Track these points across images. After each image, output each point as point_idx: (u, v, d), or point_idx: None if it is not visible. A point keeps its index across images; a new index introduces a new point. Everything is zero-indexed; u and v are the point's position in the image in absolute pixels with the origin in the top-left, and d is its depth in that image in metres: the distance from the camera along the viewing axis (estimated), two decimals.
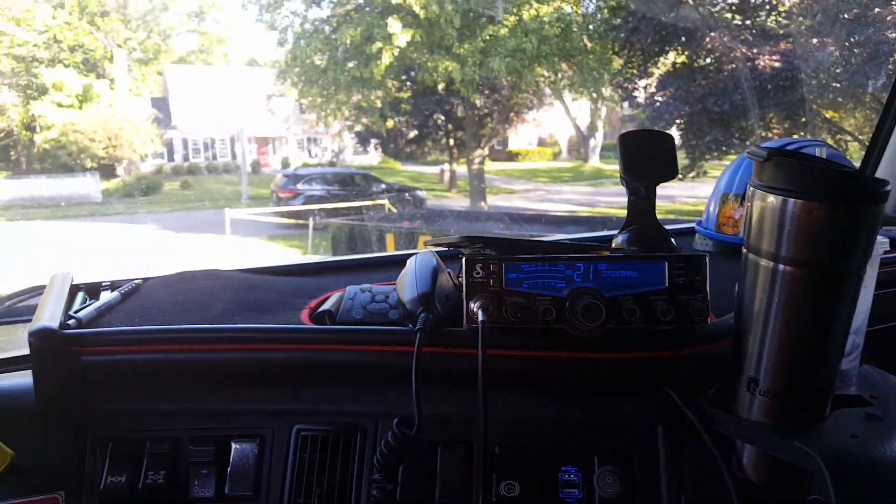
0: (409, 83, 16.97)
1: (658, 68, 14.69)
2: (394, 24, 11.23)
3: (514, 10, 11.50)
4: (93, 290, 1.03)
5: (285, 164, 37.49)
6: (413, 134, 21.26)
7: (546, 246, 0.87)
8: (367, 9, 12.22)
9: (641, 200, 0.84)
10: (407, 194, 17.76)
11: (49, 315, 0.84)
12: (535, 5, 11.77)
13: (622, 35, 12.96)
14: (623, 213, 0.88)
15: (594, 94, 16.28)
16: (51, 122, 29.06)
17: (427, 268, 0.89)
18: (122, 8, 45.04)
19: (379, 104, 15.72)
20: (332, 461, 0.84)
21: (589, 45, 13.11)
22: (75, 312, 0.89)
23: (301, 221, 13.57)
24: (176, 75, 38.92)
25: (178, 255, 11.85)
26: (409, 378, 0.77)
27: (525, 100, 16.14)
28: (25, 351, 0.95)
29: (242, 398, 0.87)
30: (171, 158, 36.24)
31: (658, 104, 14.61)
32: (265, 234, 14.44)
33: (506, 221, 8.68)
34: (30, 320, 1.18)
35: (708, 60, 12.59)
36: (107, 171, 27.33)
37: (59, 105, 30.66)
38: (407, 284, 0.88)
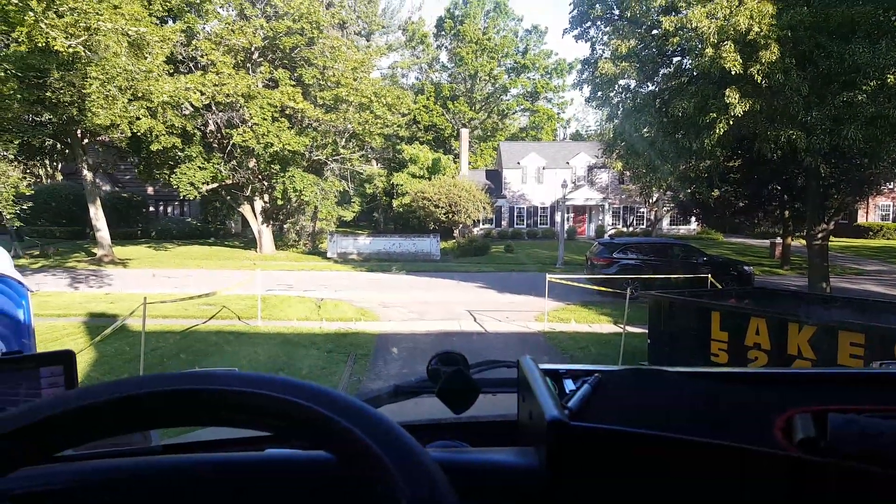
0: (740, 151, 16.11)
1: None
2: (731, 95, 10.88)
3: (877, 75, 10.21)
4: (553, 376, 1.11)
5: (600, 233, 38.32)
6: (742, 204, 19.92)
7: None
8: (702, 81, 12.04)
9: None
10: (731, 269, 16.60)
11: (551, 404, 0.91)
12: None
13: None
14: None
15: None
16: (405, 189, 34.85)
17: None
18: (468, 92, 52.01)
19: (706, 174, 15.20)
20: None
21: None
22: (566, 402, 0.95)
23: (616, 291, 13.66)
24: (508, 150, 43.12)
25: (499, 315, 12.91)
26: None
27: (883, 170, 14.01)
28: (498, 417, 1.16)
29: None
30: (498, 224, 40.46)
31: None
32: (577, 299, 14.87)
33: (860, 310, 7.37)
34: (489, 391, 1.37)
35: None
36: (445, 233, 31.69)
37: (413, 176, 36.60)
38: None
